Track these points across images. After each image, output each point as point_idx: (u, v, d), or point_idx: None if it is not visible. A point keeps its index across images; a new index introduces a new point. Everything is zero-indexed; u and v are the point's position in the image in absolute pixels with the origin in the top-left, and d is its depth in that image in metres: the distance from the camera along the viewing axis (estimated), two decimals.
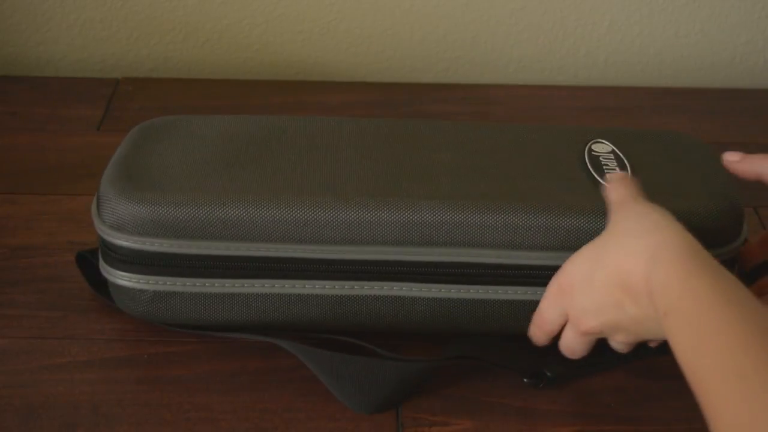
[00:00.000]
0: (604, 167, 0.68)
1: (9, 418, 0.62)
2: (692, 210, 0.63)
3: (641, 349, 0.67)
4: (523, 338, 0.65)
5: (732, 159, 0.66)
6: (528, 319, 0.64)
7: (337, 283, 0.64)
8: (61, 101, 0.96)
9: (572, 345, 0.61)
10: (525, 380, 0.64)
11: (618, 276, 0.56)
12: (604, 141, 0.71)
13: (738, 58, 1.05)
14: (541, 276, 0.63)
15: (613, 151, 0.70)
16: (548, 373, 0.64)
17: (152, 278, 0.64)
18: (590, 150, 0.70)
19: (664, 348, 0.67)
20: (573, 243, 0.62)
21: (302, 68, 1.04)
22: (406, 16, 1.01)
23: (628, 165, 0.68)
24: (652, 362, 0.67)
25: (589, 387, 0.66)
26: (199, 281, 0.64)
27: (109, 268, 0.65)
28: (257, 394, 0.64)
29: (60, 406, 0.63)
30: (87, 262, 0.70)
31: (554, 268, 0.62)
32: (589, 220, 0.62)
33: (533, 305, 0.63)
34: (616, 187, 0.61)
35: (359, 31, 1.02)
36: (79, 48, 1.02)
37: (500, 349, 0.66)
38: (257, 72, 1.04)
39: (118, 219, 0.63)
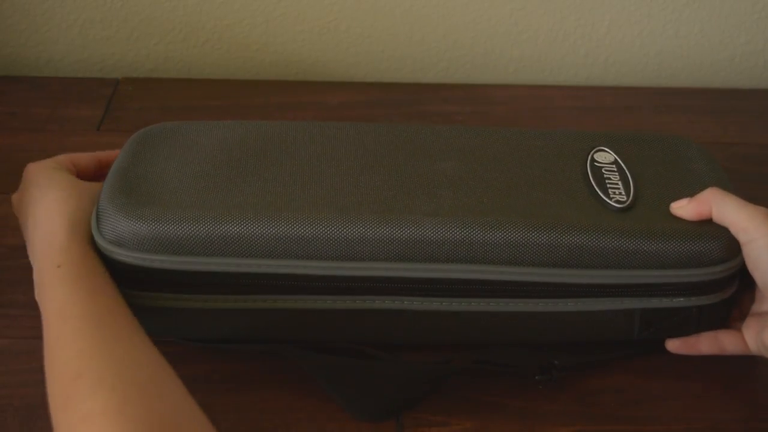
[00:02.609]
0: (607, 181, 0.67)
1: (9, 418, 0.62)
2: (694, 226, 0.63)
3: (644, 345, 0.67)
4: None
5: (677, 206, 0.65)
6: (529, 328, 0.64)
7: (339, 298, 0.64)
8: (61, 101, 0.96)
9: None
10: (537, 377, 0.64)
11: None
12: (606, 150, 0.70)
13: (738, 58, 1.05)
14: (543, 291, 0.63)
15: (615, 162, 0.69)
16: (556, 362, 0.64)
17: (153, 294, 0.63)
18: (593, 160, 0.69)
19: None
20: (575, 260, 0.62)
21: (302, 68, 1.04)
22: (406, 16, 1.01)
23: (630, 176, 0.68)
24: (652, 362, 0.67)
25: (589, 387, 0.66)
26: (200, 297, 0.64)
27: None
28: (257, 394, 0.64)
29: None
30: None
31: (557, 285, 0.62)
32: (591, 238, 0.62)
33: (535, 316, 0.64)
34: None
35: (359, 31, 1.02)
36: (79, 48, 1.02)
37: (501, 350, 0.66)
38: (257, 72, 1.04)
39: (118, 235, 0.62)
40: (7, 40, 1.01)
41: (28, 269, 0.73)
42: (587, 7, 1.02)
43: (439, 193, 0.65)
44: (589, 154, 0.70)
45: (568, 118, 0.97)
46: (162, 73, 1.04)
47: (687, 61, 1.05)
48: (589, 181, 0.67)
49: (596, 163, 0.69)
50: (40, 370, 0.65)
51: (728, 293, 0.66)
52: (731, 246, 0.63)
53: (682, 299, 0.64)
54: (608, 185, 0.67)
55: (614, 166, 0.69)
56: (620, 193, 0.66)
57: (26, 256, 0.74)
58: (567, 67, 1.05)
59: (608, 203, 0.65)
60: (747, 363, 0.68)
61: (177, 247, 0.62)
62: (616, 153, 0.70)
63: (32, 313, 0.69)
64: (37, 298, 0.61)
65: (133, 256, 0.62)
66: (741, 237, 0.62)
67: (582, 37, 1.03)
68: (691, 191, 0.66)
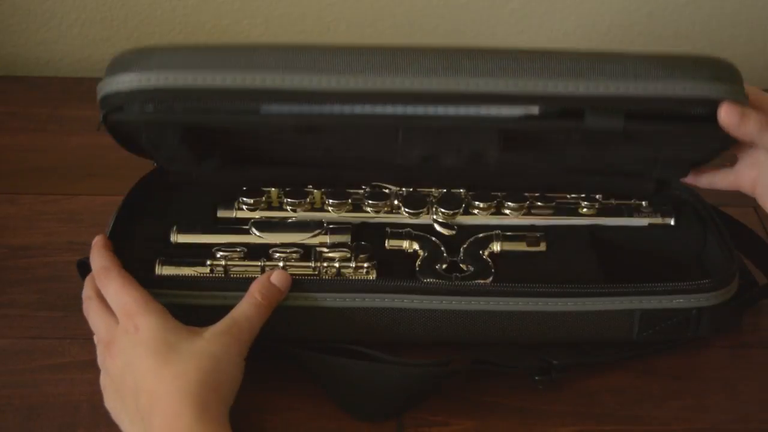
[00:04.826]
0: None
1: (9, 418, 0.62)
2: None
3: (641, 348, 0.67)
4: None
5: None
6: (528, 329, 0.65)
7: (338, 296, 0.64)
8: (61, 101, 0.96)
9: None
10: (536, 377, 0.64)
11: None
12: None
13: (738, 58, 1.05)
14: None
15: None
16: (555, 362, 0.64)
17: (155, 291, 0.62)
18: None
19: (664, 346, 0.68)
20: None
21: None
22: (406, 16, 1.01)
23: None
24: (652, 362, 0.67)
25: (589, 387, 0.66)
26: (199, 293, 0.64)
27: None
28: (257, 394, 0.64)
29: (60, 406, 0.63)
30: (89, 269, 0.69)
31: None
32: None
33: (535, 315, 0.64)
34: None
35: (359, 31, 1.02)
36: (79, 48, 1.02)
37: (501, 350, 0.66)
38: None
39: (124, 65, 0.64)
40: (7, 40, 1.01)
41: (28, 269, 0.73)
42: (587, 7, 1.02)
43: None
44: None
45: None
46: None
47: None
48: None
49: None
50: (40, 370, 0.65)
51: (727, 294, 0.66)
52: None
53: (681, 299, 0.64)
54: None
55: None
56: None
57: (26, 257, 0.75)
58: None
59: None
60: (747, 363, 0.68)
61: (180, 65, 0.61)
62: None
63: (32, 313, 0.70)
64: None
65: (138, 78, 0.63)
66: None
67: (582, 37, 1.03)
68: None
